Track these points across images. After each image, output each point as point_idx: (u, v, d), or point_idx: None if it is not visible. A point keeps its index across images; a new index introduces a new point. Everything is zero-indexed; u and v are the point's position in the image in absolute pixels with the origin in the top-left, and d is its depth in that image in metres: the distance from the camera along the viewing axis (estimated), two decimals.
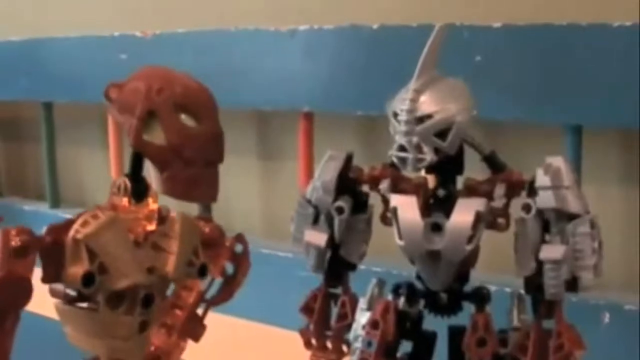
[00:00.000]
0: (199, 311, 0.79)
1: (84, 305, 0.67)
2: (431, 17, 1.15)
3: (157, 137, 0.66)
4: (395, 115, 0.70)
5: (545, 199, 0.70)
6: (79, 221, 0.65)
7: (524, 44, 1.11)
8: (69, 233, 0.64)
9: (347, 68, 1.26)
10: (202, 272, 0.72)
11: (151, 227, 0.70)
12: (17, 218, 1.80)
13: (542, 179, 0.70)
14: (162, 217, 0.71)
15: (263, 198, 1.53)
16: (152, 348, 0.76)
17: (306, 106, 1.32)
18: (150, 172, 0.69)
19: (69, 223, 0.65)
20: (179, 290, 0.77)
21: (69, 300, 0.67)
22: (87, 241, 0.63)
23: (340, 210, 0.76)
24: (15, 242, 0.62)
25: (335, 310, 0.82)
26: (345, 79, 1.27)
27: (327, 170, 0.77)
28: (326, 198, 0.77)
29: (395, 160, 0.71)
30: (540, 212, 0.70)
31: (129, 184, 0.69)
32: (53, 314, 0.69)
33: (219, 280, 0.80)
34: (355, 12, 1.31)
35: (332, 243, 0.79)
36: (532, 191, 0.71)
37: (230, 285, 0.80)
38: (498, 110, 1.11)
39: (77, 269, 0.63)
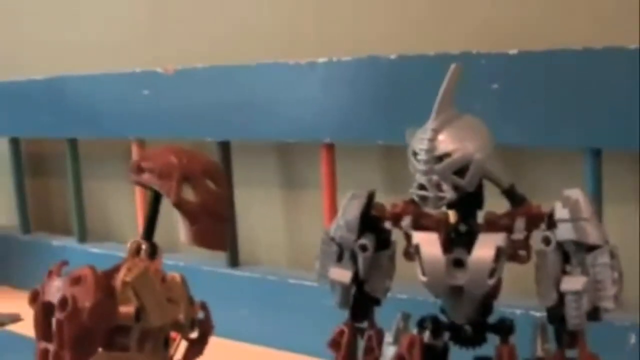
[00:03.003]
0: None
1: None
2: (448, 46, 1.16)
3: (189, 196, 0.79)
4: (415, 154, 0.72)
5: (564, 231, 0.71)
6: (123, 267, 0.77)
7: (540, 69, 1.11)
8: (119, 276, 0.76)
9: (367, 98, 1.27)
10: (192, 325, 0.84)
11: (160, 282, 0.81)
12: (45, 253, 1.83)
13: (560, 212, 0.71)
14: (164, 276, 0.82)
15: (287, 228, 1.54)
16: None
17: (327, 137, 1.33)
18: (179, 225, 0.80)
19: (116, 268, 0.77)
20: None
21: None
22: (134, 283, 0.75)
23: (364, 248, 0.78)
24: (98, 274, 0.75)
25: (361, 345, 0.83)
26: (365, 109, 1.27)
27: (350, 209, 0.79)
28: (350, 236, 0.78)
29: (416, 198, 0.72)
30: (560, 244, 0.71)
31: (145, 246, 0.81)
32: None
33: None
34: (372, 43, 1.32)
35: (356, 279, 0.80)
36: (552, 223, 0.72)
37: (196, 349, 0.86)
38: (515, 137, 1.11)
39: (130, 307, 0.74)
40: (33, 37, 1.89)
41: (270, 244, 1.56)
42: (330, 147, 1.34)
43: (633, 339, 1.07)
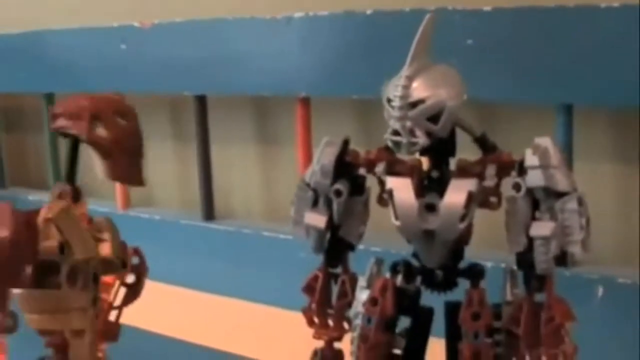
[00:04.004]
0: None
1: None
2: (423, 2, 1.17)
3: (102, 133, 0.80)
4: (389, 101, 0.73)
5: (534, 178, 0.72)
6: (44, 208, 0.77)
7: (513, 26, 1.12)
8: (40, 215, 0.76)
9: (343, 53, 1.28)
10: (124, 264, 0.85)
11: (85, 222, 0.81)
12: (21, 207, 1.82)
13: (531, 159, 0.72)
14: (90, 218, 0.82)
15: (262, 182, 1.56)
16: None
17: (303, 91, 1.34)
18: (95, 163, 0.81)
19: (37, 210, 0.77)
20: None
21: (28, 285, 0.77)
22: (56, 220, 0.75)
23: (338, 193, 0.79)
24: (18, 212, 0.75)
25: (335, 289, 0.84)
26: (340, 64, 1.28)
27: (325, 155, 0.80)
28: (325, 181, 0.79)
29: (389, 144, 0.73)
30: (530, 191, 0.72)
31: (68, 188, 0.82)
32: None
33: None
34: None
35: (331, 225, 0.81)
36: (522, 171, 0.73)
37: (132, 292, 0.88)
38: (490, 92, 1.13)
39: (53, 241, 0.75)
40: None
41: (246, 197, 1.57)
42: (306, 101, 1.35)
43: (601, 292, 1.09)
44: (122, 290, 0.87)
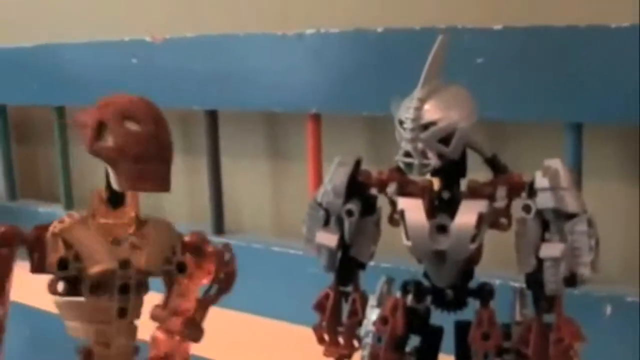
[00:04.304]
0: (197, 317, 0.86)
1: (74, 297, 0.78)
2: (433, 20, 1.18)
3: (107, 142, 0.76)
4: (401, 122, 0.73)
5: (544, 200, 0.73)
6: (57, 221, 0.77)
7: (524, 45, 1.13)
8: (49, 229, 0.77)
9: (353, 70, 1.28)
10: (180, 268, 0.82)
11: (130, 230, 0.80)
12: (31, 219, 1.83)
13: (541, 181, 0.73)
14: (141, 222, 0.81)
15: (272, 197, 1.56)
16: (158, 352, 0.86)
17: (314, 108, 1.34)
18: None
19: (50, 224, 0.77)
20: (174, 298, 0.85)
21: (62, 294, 0.78)
22: (63, 234, 0.76)
23: (350, 213, 0.80)
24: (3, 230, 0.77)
25: (346, 308, 0.85)
26: (351, 81, 1.29)
27: (337, 175, 0.80)
28: (337, 201, 0.80)
29: (401, 165, 0.74)
30: (539, 212, 0.73)
31: (104, 194, 0.79)
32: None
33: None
34: (360, 16, 1.34)
35: (342, 244, 0.82)
36: (532, 192, 0.74)
37: (220, 291, 0.87)
38: (500, 111, 1.13)
39: (54, 257, 0.76)
40: (22, 4, 1.89)
41: (256, 212, 1.58)
42: (317, 118, 1.36)
43: (609, 310, 1.10)
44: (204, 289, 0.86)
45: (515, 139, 1.21)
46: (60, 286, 0.77)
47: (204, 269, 0.86)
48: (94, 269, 0.76)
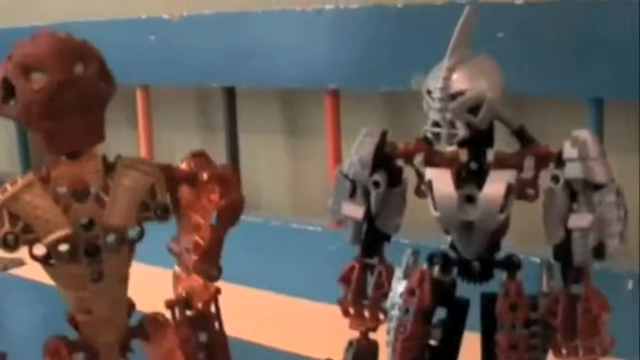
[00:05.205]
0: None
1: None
2: None
3: (14, 102, 0.68)
4: (429, 92, 0.73)
5: (572, 170, 0.72)
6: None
7: (544, 20, 1.13)
8: None
9: (372, 46, 1.28)
10: (163, 212, 0.74)
11: (93, 181, 0.72)
12: None
13: (569, 151, 0.73)
14: (109, 168, 0.73)
15: (290, 174, 1.56)
16: (179, 291, 0.81)
17: (332, 83, 1.34)
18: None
19: None
20: (186, 234, 0.80)
21: (41, 260, 0.72)
22: (7, 206, 0.69)
23: (377, 184, 0.80)
24: None
25: (371, 280, 0.85)
26: (370, 57, 1.29)
27: (364, 146, 0.80)
28: (363, 172, 0.80)
29: (429, 135, 0.74)
30: (568, 183, 0.73)
31: None
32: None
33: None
34: None
35: (368, 215, 0.82)
36: (560, 163, 0.74)
37: (222, 223, 0.81)
38: (520, 85, 1.12)
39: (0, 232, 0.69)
40: None
41: (274, 189, 1.58)
42: (335, 94, 1.36)
43: (630, 285, 1.09)
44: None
45: (535, 113, 1.21)
46: (38, 250, 0.71)
47: (206, 198, 0.79)
48: (48, 239, 0.69)
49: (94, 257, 0.71)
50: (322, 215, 1.35)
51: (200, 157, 0.79)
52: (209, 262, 0.80)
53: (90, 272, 0.72)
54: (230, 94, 1.49)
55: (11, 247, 0.69)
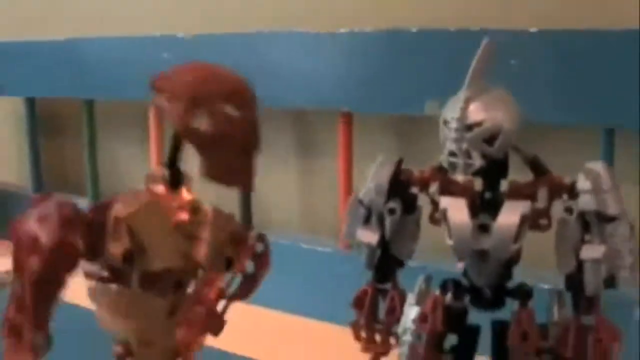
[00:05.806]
0: (219, 308, 0.78)
1: (115, 285, 0.70)
2: (468, 22, 1.18)
3: (202, 124, 0.67)
4: (446, 122, 0.74)
5: (586, 202, 0.73)
6: (120, 201, 0.68)
7: (558, 48, 1.14)
8: (111, 212, 0.67)
9: (386, 70, 1.29)
10: (228, 265, 0.75)
11: (184, 216, 0.72)
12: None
13: (583, 183, 0.74)
14: (195, 208, 0.73)
15: (302, 195, 1.57)
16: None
17: (345, 106, 1.35)
18: (192, 158, 0.71)
19: (110, 203, 0.68)
20: (200, 287, 0.76)
21: (103, 281, 0.70)
22: (129, 220, 0.67)
23: (392, 212, 0.80)
24: (67, 211, 0.65)
25: (383, 305, 0.85)
26: (383, 81, 1.29)
27: (380, 174, 0.81)
28: (379, 199, 0.81)
29: (445, 164, 0.75)
30: (581, 214, 0.74)
31: (166, 172, 0.72)
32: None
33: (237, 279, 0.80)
34: (394, 15, 1.35)
35: (382, 242, 0.83)
36: (573, 194, 0.75)
37: (250, 284, 0.79)
38: (530, 113, 1.13)
39: (118, 247, 0.67)
40: None
41: (285, 210, 1.58)
42: (348, 116, 1.37)
43: (639, 313, 1.10)
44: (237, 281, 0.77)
45: (546, 141, 1.21)
46: (105, 271, 0.69)
47: (240, 261, 0.77)
48: (158, 265, 0.69)
49: (178, 290, 0.72)
50: (332, 236, 1.37)
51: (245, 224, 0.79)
52: (217, 319, 0.77)
53: (170, 305, 0.72)
54: None
55: (128, 265, 0.68)
